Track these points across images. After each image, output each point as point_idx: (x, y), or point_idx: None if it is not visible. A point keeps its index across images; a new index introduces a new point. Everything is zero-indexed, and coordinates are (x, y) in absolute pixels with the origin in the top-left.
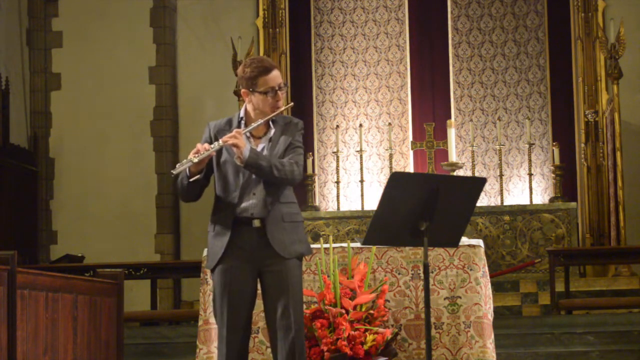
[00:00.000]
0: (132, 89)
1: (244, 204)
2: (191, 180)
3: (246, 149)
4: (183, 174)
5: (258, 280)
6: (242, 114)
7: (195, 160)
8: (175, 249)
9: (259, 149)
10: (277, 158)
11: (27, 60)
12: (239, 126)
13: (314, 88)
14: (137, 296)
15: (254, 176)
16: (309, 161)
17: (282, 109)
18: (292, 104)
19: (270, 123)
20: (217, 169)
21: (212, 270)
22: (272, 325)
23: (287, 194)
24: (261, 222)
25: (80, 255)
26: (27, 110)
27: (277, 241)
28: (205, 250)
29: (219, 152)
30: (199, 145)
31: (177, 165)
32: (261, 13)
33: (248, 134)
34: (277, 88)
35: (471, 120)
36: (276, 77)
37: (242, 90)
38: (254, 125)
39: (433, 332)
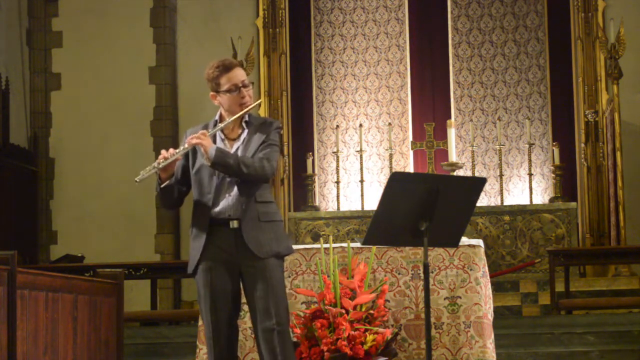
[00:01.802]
0: (132, 89)
1: (219, 206)
2: (162, 186)
3: (212, 148)
4: (157, 181)
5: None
6: (217, 117)
7: (160, 166)
8: (175, 249)
9: (233, 150)
10: (248, 156)
11: (27, 60)
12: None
13: (314, 88)
14: (137, 296)
15: (228, 178)
16: (309, 161)
17: (251, 106)
18: (260, 101)
19: (244, 124)
20: (193, 174)
21: (194, 273)
22: (255, 327)
23: (264, 193)
24: (238, 223)
25: (80, 255)
26: (27, 110)
27: (253, 240)
28: None
29: (195, 157)
30: (163, 152)
31: (140, 172)
32: (261, 13)
33: (222, 137)
34: (240, 85)
35: (471, 120)
36: (238, 74)
37: (211, 94)
38: (222, 124)
39: (433, 332)
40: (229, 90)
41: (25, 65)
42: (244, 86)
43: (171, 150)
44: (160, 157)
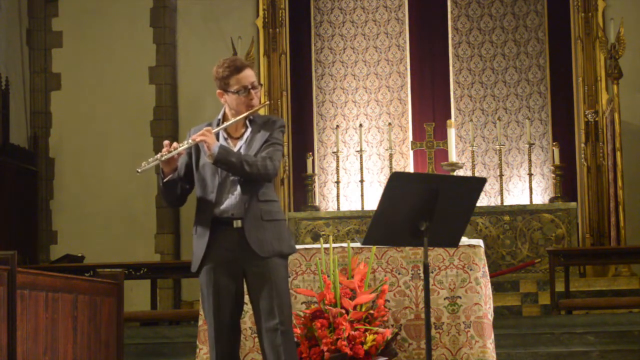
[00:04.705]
0: (132, 89)
1: (223, 205)
2: (165, 180)
3: (215, 146)
4: (160, 175)
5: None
6: (220, 115)
7: (163, 158)
8: (175, 249)
9: (236, 149)
10: (251, 155)
11: (27, 60)
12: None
13: (314, 88)
14: (137, 296)
15: (230, 176)
16: (309, 161)
17: (257, 108)
18: (267, 102)
19: (248, 123)
20: (196, 172)
21: (198, 272)
22: (259, 327)
23: (267, 192)
24: (241, 222)
25: (80, 255)
26: (27, 110)
27: (255, 240)
28: None
29: (198, 155)
30: (166, 142)
31: (142, 164)
32: (261, 13)
33: (225, 135)
34: (249, 87)
35: (471, 120)
36: (248, 76)
37: (217, 91)
38: (227, 123)
39: (433, 332)
40: (237, 92)
41: (25, 65)
42: (253, 88)
43: (175, 144)
44: (164, 149)
